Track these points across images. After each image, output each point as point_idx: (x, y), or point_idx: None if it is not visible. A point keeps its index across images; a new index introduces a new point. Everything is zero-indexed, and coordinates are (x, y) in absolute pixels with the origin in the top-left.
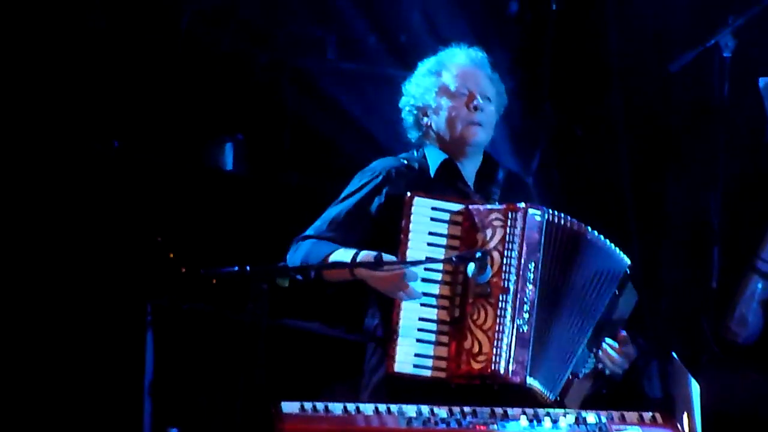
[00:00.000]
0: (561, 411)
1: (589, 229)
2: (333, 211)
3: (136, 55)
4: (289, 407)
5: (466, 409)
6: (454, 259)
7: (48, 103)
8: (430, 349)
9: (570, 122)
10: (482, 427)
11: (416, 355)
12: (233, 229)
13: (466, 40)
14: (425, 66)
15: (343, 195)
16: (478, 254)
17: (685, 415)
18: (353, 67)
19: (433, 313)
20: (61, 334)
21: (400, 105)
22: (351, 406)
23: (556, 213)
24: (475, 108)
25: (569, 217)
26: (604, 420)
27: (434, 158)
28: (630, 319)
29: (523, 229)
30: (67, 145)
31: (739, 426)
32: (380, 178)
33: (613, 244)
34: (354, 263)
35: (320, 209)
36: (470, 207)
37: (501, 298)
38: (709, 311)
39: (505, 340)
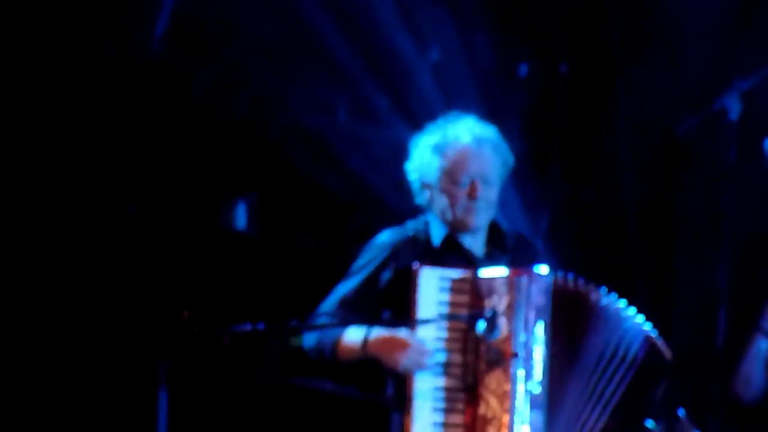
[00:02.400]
0: None
1: (602, 293)
2: (342, 290)
3: (152, 117)
4: None
5: None
6: (463, 317)
7: (65, 165)
8: (446, 418)
9: (578, 185)
10: None
11: (434, 424)
12: (246, 288)
13: (475, 105)
14: (430, 139)
15: (351, 271)
16: (489, 312)
17: None
18: (364, 129)
19: (446, 381)
20: (75, 394)
21: (406, 168)
22: None
23: (563, 275)
24: (475, 197)
25: (579, 279)
26: None
27: (438, 230)
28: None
29: (528, 292)
30: (83, 205)
31: None
32: (387, 252)
33: (635, 315)
34: (366, 342)
35: (331, 270)
36: (476, 274)
37: (512, 363)
38: (715, 371)
39: (519, 404)
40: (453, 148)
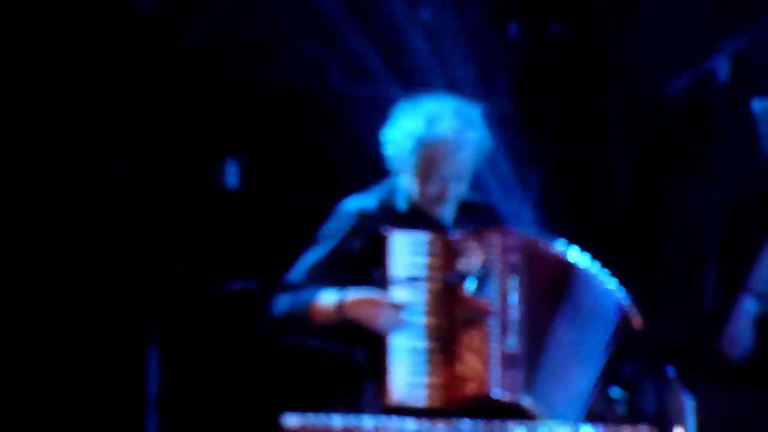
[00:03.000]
0: (557, 424)
1: (572, 252)
2: (311, 258)
3: (143, 75)
4: (293, 421)
5: (467, 422)
6: (450, 276)
7: (56, 123)
8: (422, 378)
9: (569, 145)
10: None
11: (409, 385)
12: (237, 246)
13: (466, 64)
14: (411, 124)
15: (318, 240)
16: (479, 270)
17: (678, 431)
18: (356, 88)
19: (422, 342)
20: (66, 350)
21: (382, 136)
22: (353, 420)
23: (533, 235)
24: (445, 197)
25: (547, 239)
26: None
27: (405, 198)
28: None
29: (501, 250)
30: (74, 163)
31: None
32: (355, 220)
33: (607, 279)
34: (342, 303)
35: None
36: (447, 235)
37: (488, 321)
38: (703, 330)
39: (496, 362)
40: (431, 145)
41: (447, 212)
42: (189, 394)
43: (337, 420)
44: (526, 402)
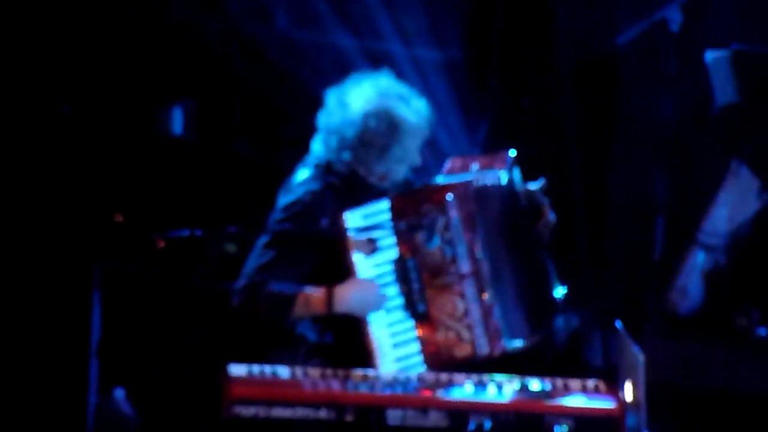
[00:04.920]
0: (505, 377)
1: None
2: (269, 253)
3: (90, 20)
4: (237, 370)
5: (412, 375)
6: (403, 226)
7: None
8: (407, 350)
9: (517, 94)
10: (427, 393)
11: (397, 360)
12: (182, 193)
13: (415, 11)
14: (365, 105)
15: (273, 231)
16: (426, 220)
17: (628, 384)
18: (302, 35)
19: (399, 315)
20: (7, 296)
21: (322, 115)
22: (299, 371)
23: (480, 178)
24: (392, 175)
25: (491, 174)
26: (547, 387)
27: (352, 177)
28: (574, 290)
29: (458, 209)
30: (16, 107)
31: (681, 396)
32: (307, 205)
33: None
34: (333, 291)
35: (269, 177)
36: (399, 201)
37: (460, 283)
38: (652, 283)
39: (477, 321)
40: (405, 140)
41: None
42: (131, 340)
43: (283, 371)
44: (512, 346)
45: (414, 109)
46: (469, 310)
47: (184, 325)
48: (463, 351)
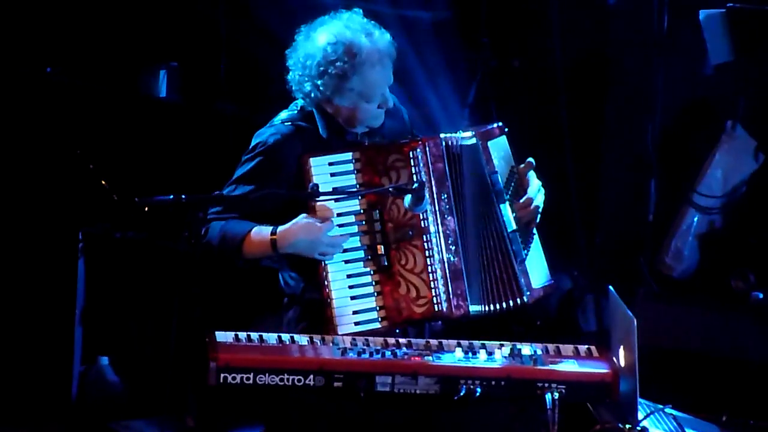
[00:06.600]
0: (496, 343)
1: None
2: (236, 192)
3: None
4: (224, 336)
5: (402, 340)
6: (390, 190)
7: None
8: (367, 304)
9: (507, 55)
10: (417, 359)
11: (354, 312)
12: (167, 157)
13: None
14: (330, 54)
15: (239, 173)
16: (415, 185)
17: (621, 349)
18: None
19: (360, 267)
20: None
21: (293, 64)
22: (285, 336)
23: (450, 136)
24: (387, 106)
25: (467, 138)
26: (539, 352)
27: (325, 122)
28: (566, 252)
29: (427, 163)
30: (3, 69)
31: (675, 360)
32: (273, 147)
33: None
34: (278, 232)
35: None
36: (367, 152)
37: (425, 239)
38: (646, 245)
39: (440, 279)
40: (364, 69)
41: (361, 131)
42: (116, 306)
43: (270, 337)
44: (474, 311)
45: (374, 39)
46: (432, 267)
47: (170, 291)
48: (422, 308)
